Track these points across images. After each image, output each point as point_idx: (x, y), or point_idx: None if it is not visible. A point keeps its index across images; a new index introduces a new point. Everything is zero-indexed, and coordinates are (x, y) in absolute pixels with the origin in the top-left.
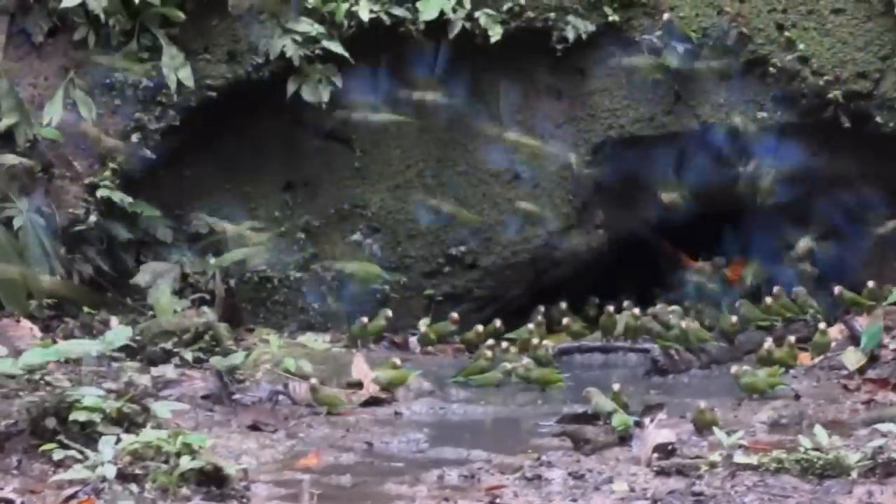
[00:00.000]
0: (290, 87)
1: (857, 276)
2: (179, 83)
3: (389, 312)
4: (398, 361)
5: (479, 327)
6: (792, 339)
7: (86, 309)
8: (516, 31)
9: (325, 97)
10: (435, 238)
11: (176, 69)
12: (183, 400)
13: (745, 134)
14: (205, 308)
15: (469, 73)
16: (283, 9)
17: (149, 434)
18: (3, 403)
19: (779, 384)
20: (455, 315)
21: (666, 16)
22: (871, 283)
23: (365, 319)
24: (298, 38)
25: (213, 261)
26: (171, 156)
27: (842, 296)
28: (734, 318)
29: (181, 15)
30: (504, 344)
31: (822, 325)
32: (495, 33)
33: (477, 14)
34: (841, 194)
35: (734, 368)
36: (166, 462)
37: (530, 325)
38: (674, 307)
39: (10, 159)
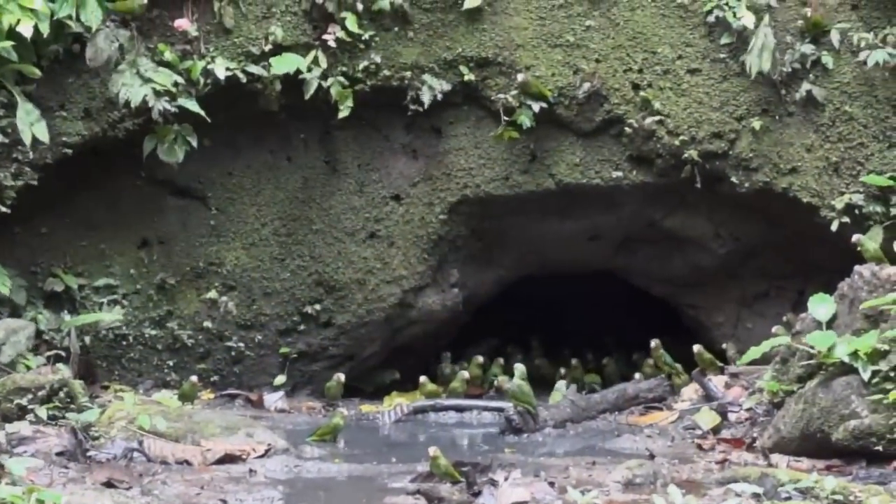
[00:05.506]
0: (147, 147)
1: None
2: (35, 139)
3: (195, 378)
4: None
5: (342, 376)
6: None
7: None
8: (372, 89)
9: (181, 157)
10: (290, 296)
11: (31, 124)
12: (38, 456)
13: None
14: (60, 365)
15: (324, 130)
16: (141, 60)
17: (3, 491)
18: None
19: None
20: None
21: (521, 76)
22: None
23: (195, 379)
24: (158, 87)
25: (67, 318)
26: (28, 213)
27: (701, 355)
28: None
29: (37, 72)
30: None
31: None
32: (346, 107)
33: (330, 81)
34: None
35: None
36: None
37: None
38: (518, 365)
39: None
